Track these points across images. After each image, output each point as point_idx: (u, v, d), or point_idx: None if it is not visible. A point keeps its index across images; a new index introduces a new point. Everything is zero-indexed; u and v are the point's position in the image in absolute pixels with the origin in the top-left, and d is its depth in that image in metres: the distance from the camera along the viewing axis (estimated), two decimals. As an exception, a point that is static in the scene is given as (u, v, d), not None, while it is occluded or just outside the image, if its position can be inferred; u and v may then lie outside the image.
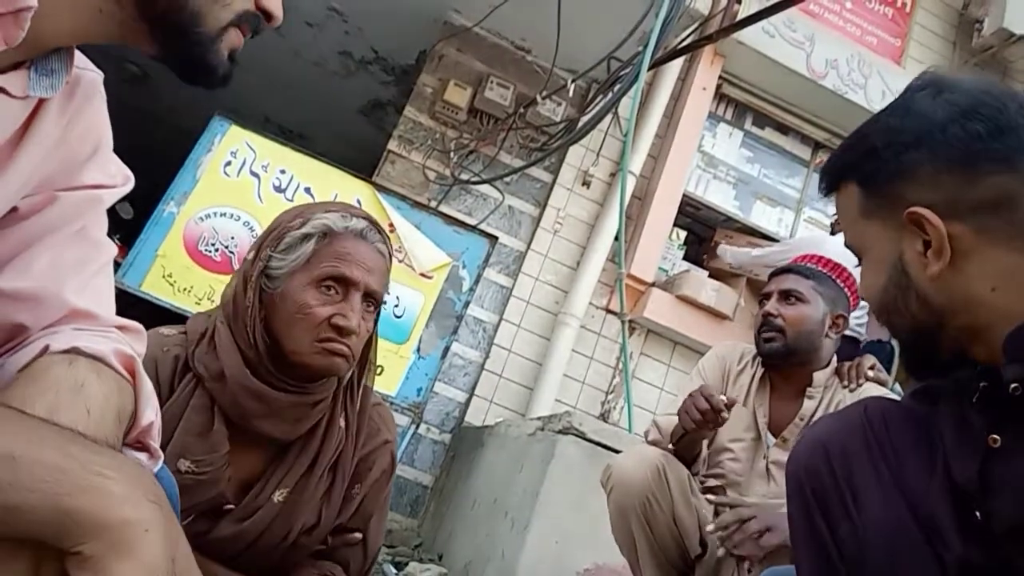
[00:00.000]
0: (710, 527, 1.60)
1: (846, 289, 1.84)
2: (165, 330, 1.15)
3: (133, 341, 0.74)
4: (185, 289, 3.02)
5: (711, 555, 1.68)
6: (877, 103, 4.10)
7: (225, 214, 3.14)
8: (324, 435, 1.15)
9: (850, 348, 2.75)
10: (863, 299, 0.91)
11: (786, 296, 1.81)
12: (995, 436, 0.73)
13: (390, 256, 1.19)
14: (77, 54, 0.70)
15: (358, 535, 1.19)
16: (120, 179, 0.77)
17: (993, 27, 4.38)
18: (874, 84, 4.29)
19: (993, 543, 0.73)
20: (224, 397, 1.07)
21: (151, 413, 0.68)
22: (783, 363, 1.80)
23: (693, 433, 1.63)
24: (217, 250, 3.09)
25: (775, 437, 1.78)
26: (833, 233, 3.48)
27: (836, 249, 1.72)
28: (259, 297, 1.10)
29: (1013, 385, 0.70)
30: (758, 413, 1.80)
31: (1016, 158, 0.73)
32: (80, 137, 0.72)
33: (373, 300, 1.13)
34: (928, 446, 0.81)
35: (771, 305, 1.81)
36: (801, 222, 4.42)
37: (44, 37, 0.62)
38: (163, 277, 3.02)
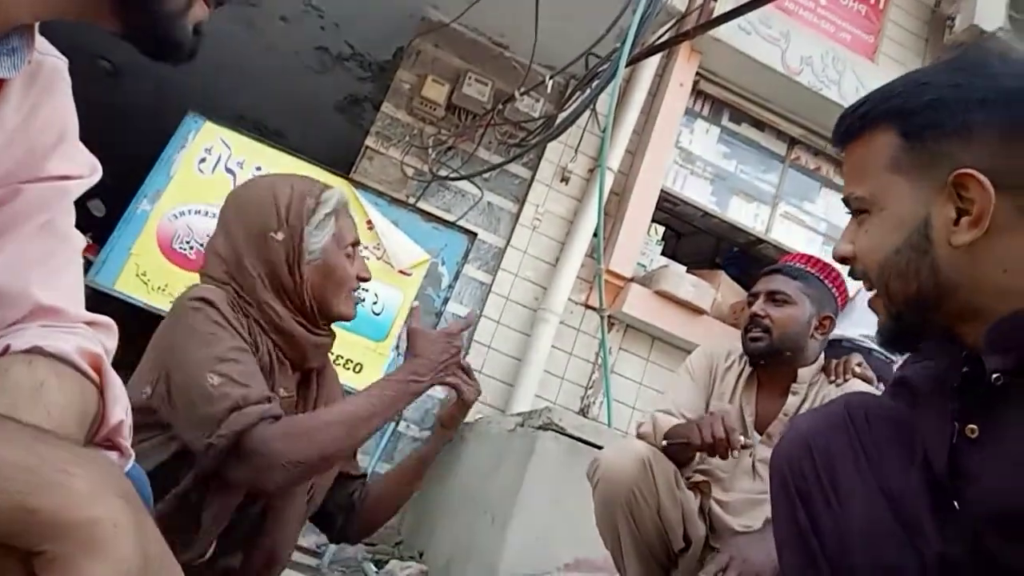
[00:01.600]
0: None
1: (834, 290, 1.85)
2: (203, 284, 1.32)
3: (103, 337, 0.72)
4: (159, 288, 2.97)
5: (695, 549, 1.69)
6: (851, 99, 4.04)
7: (200, 211, 3.09)
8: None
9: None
10: (855, 256, 0.82)
11: (773, 297, 1.82)
12: (973, 426, 0.73)
13: None
14: (39, 38, 0.68)
15: None
16: (87, 169, 0.75)
17: (964, 24, 4.43)
18: (848, 80, 4.32)
19: (972, 536, 0.73)
20: (286, 349, 1.29)
21: (120, 411, 0.65)
22: (768, 361, 1.81)
23: (695, 449, 1.64)
24: (192, 248, 3.04)
25: (761, 434, 1.79)
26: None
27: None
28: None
29: (995, 375, 0.70)
30: (745, 411, 1.81)
31: None
32: (43, 126, 0.69)
33: None
34: (909, 441, 0.81)
35: (758, 306, 1.83)
36: (777, 217, 4.46)
37: (3, 15, 0.60)
38: (137, 276, 2.97)
